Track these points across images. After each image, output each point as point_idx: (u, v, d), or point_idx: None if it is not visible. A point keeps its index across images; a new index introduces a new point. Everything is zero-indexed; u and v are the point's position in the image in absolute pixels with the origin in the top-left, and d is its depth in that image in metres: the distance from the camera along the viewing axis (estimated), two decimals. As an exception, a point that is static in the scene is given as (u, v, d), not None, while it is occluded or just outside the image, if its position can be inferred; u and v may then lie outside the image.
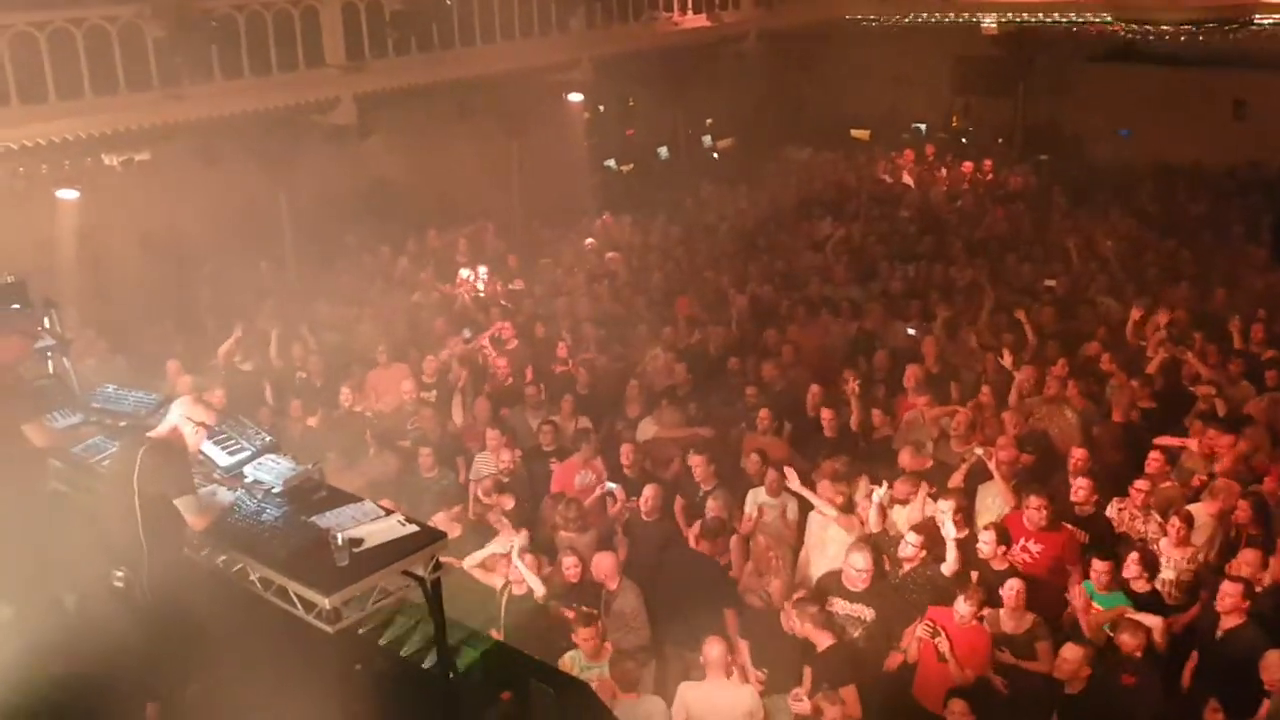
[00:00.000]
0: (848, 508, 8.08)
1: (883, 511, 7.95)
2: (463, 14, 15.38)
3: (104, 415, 6.74)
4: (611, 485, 8.82)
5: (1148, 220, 16.06)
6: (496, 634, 6.96)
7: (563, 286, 14.08)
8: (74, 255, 12.80)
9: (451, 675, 5.49)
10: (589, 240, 16.32)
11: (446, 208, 16.91)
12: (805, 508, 8.26)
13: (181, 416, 5.37)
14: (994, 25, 20.22)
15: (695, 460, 8.78)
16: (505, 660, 5.92)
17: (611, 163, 21.57)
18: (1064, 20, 19.75)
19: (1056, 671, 6.45)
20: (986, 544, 7.39)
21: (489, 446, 9.40)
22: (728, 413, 10.30)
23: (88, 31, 11.89)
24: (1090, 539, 7.73)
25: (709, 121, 23.12)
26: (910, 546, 7.46)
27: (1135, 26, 19.23)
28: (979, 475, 8.47)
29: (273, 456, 5.95)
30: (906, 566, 7.52)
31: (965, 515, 7.86)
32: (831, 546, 7.94)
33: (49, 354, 6.95)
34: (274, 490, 5.66)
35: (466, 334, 11.86)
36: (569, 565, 7.51)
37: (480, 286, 14.11)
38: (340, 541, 5.05)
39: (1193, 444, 8.69)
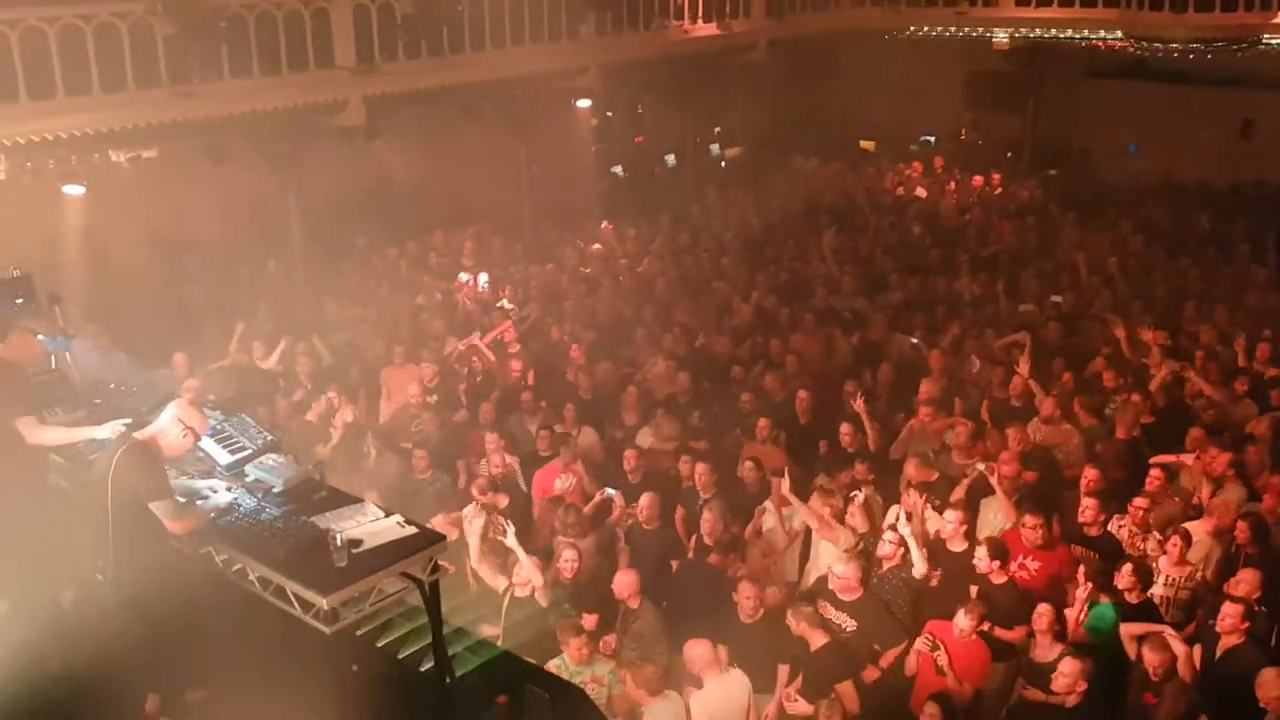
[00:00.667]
0: (837, 519, 8.09)
1: (866, 513, 7.98)
2: (473, 18, 15.41)
3: (105, 411, 6.75)
4: (611, 491, 8.80)
5: (1155, 237, 16.05)
6: (495, 635, 6.97)
7: (566, 291, 14.08)
8: (79, 251, 12.82)
9: (448, 679, 5.48)
10: (594, 246, 16.33)
11: (454, 211, 16.94)
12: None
13: (174, 418, 5.31)
14: (1005, 40, 20.26)
15: (698, 469, 8.79)
16: (502, 664, 5.91)
17: (619, 169, 21.59)
18: (1075, 37, 19.78)
19: (1054, 685, 6.42)
20: (980, 559, 7.38)
21: (488, 449, 9.40)
22: (728, 421, 10.29)
23: (98, 28, 11.91)
24: (1101, 559, 7.70)
25: (717, 130, 23.14)
26: (889, 545, 7.51)
27: (1145, 44, 19.24)
28: (981, 489, 8.46)
29: (274, 456, 5.95)
30: (885, 566, 7.56)
31: (968, 529, 7.85)
32: (823, 556, 8.04)
33: (51, 349, 6.96)
34: (274, 489, 5.66)
35: (478, 336, 11.85)
36: (567, 560, 7.51)
37: (481, 288, 14.15)
38: (339, 542, 5.04)
39: (1189, 459, 8.68)
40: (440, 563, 5.33)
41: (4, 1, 11.36)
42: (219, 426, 6.14)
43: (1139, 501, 8.04)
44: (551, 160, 18.13)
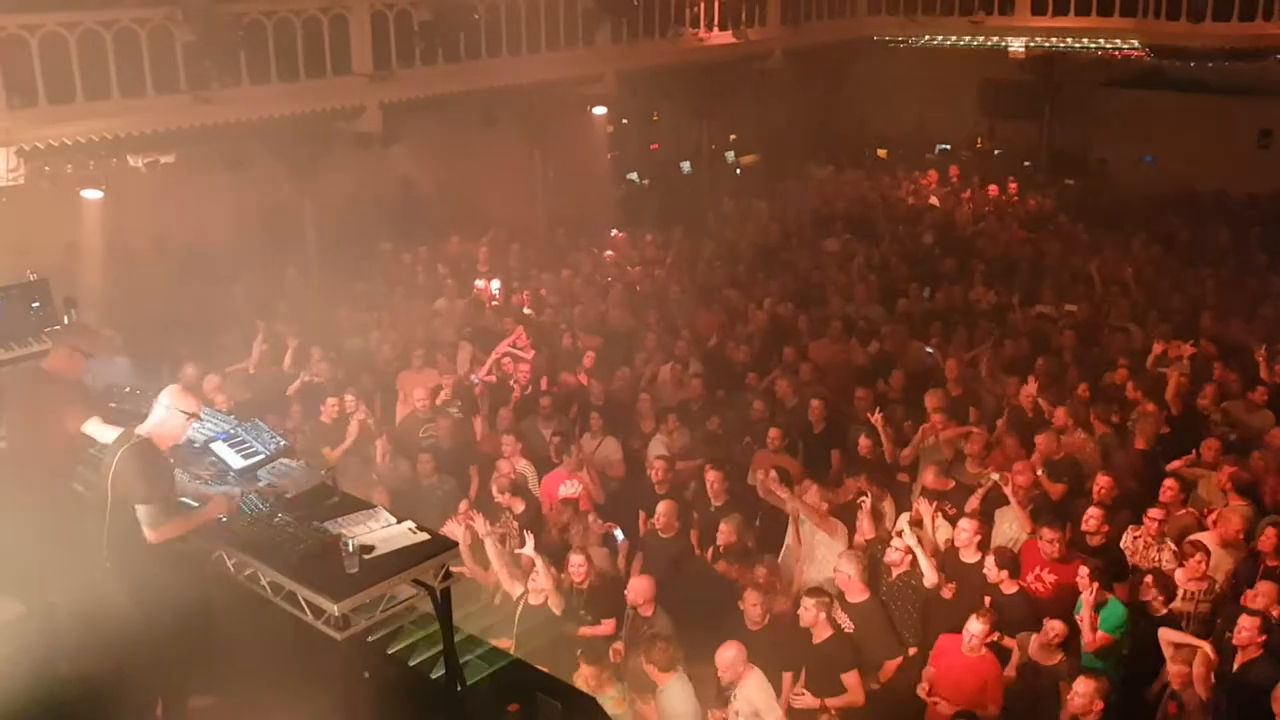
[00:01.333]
0: (840, 517, 8.09)
1: (873, 518, 7.95)
2: (489, 25, 15.44)
3: (119, 415, 6.77)
4: (618, 533, 8.69)
5: (1172, 247, 15.98)
6: (508, 643, 6.96)
7: (580, 297, 14.10)
8: (96, 255, 12.87)
9: (459, 686, 5.48)
10: (608, 252, 16.34)
11: (470, 216, 16.97)
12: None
13: (167, 407, 5.31)
14: (1021, 49, 20.19)
15: (710, 477, 8.79)
16: (514, 672, 5.91)
17: (634, 176, 21.61)
18: (1091, 46, 19.69)
19: (1069, 706, 6.36)
20: (989, 569, 7.33)
21: (504, 454, 9.41)
22: (741, 428, 10.27)
23: (118, 33, 11.96)
24: (1103, 568, 7.64)
25: (732, 137, 23.14)
26: (896, 553, 7.45)
27: (1162, 53, 19.17)
28: (996, 500, 8.42)
29: (287, 460, 5.96)
30: (894, 573, 7.52)
31: (982, 540, 7.80)
32: (819, 550, 8.02)
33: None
34: (287, 494, 5.67)
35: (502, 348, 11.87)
36: (576, 565, 7.50)
37: (495, 293, 14.19)
38: (351, 548, 5.05)
39: (1203, 472, 8.63)
40: (452, 569, 5.33)
41: (25, 6, 11.43)
42: (232, 431, 6.16)
43: (1154, 512, 7.99)
44: (567, 167, 18.15)
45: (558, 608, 7.28)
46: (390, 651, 5.89)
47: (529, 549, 7.45)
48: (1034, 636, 6.97)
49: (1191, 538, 7.67)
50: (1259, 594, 6.94)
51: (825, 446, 9.73)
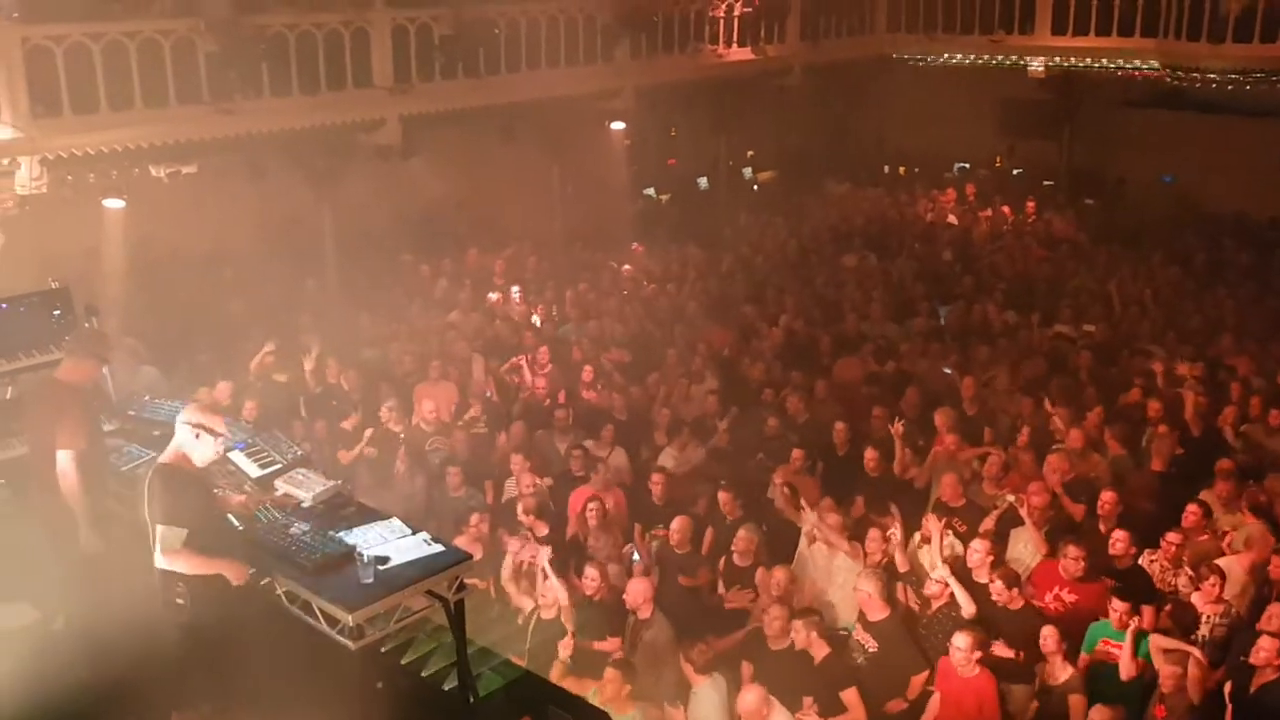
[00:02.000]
0: (853, 537, 8.06)
1: (905, 550, 7.87)
2: (509, 40, 15.52)
3: (138, 423, 6.82)
4: (636, 555, 8.68)
5: (1190, 267, 15.90)
6: (519, 658, 6.95)
7: (597, 311, 14.12)
8: (117, 264, 12.95)
9: (472, 698, 5.48)
10: (626, 266, 16.36)
11: (488, 229, 17.04)
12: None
13: (185, 426, 5.21)
14: (1041, 69, 20.14)
15: (722, 496, 8.79)
16: (526, 685, 5.90)
17: (651, 191, 21.65)
18: (1111, 66, 19.63)
19: None
20: (996, 591, 7.29)
21: (513, 470, 9.40)
22: (755, 444, 10.24)
23: (141, 44, 12.07)
24: (1127, 591, 7.60)
25: (750, 153, 23.16)
26: (935, 585, 7.37)
27: (1182, 74, 19.06)
28: (1010, 520, 8.37)
29: (303, 470, 5.99)
30: (934, 605, 7.44)
31: (994, 560, 7.75)
32: (839, 575, 7.98)
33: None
34: (302, 504, 5.69)
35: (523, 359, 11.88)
36: (590, 578, 7.48)
37: (514, 298, 14.22)
38: (366, 559, 5.06)
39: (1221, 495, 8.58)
40: (466, 581, 5.33)
41: (50, 17, 11.54)
42: (250, 440, 6.20)
43: (1172, 536, 7.93)
44: (585, 181, 18.18)
45: (570, 623, 7.28)
46: (403, 663, 5.88)
47: (545, 560, 7.45)
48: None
49: (1215, 561, 7.60)
50: (1275, 616, 6.88)
51: (846, 468, 9.68)
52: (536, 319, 13.70)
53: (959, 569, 7.61)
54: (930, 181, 21.82)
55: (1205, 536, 8.23)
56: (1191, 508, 8.33)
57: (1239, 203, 18.99)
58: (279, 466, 6.00)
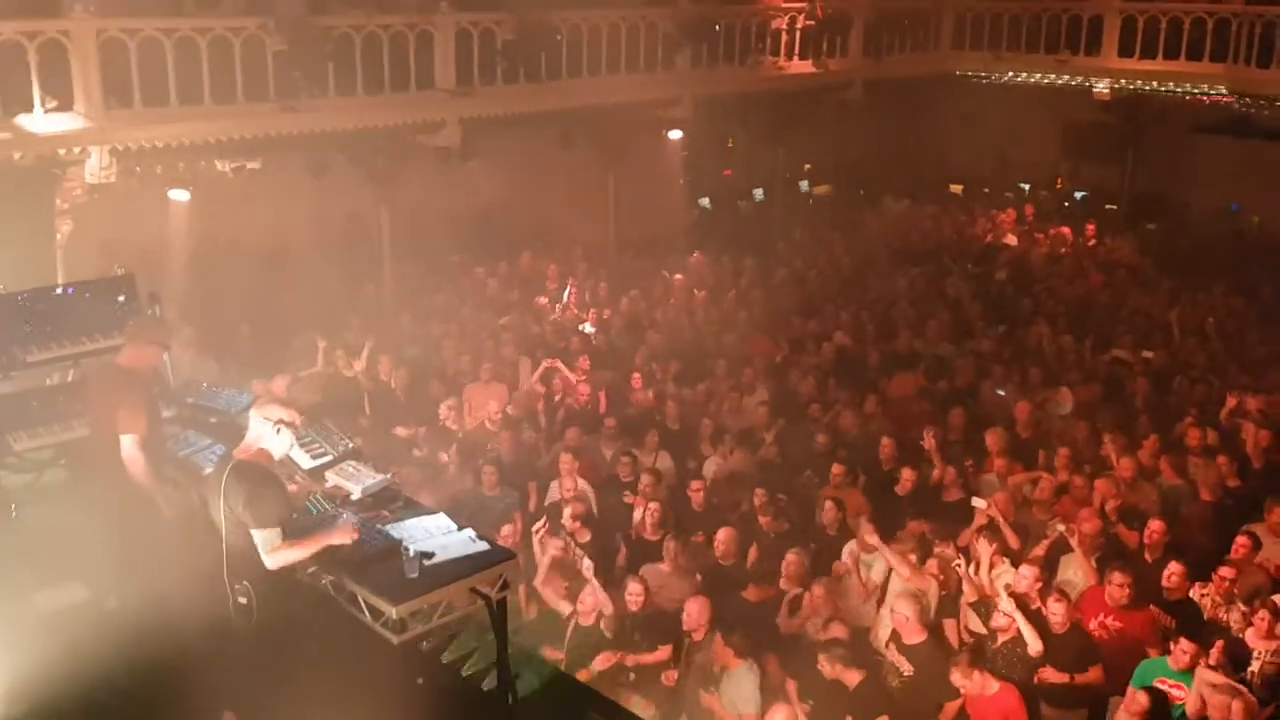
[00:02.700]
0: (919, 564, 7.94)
1: (974, 580, 7.75)
2: (571, 46, 15.62)
3: (196, 410, 6.92)
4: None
5: (1255, 299, 15.58)
6: (558, 659, 6.96)
7: (649, 319, 14.11)
8: (180, 254, 13.19)
9: (511, 699, 5.49)
10: (678, 276, 16.37)
11: (542, 234, 17.12)
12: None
13: (260, 420, 5.22)
14: (1106, 91, 19.88)
15: (763, 511, 8.76)
16: (565, 689, 5.91)
17: (706, 201, 21.63)
18: (1178, 90, 19.33)
19: None
20: (1052, 614, 7.16)
21: (561, 470, 9.41)
22: (802, 460, 10.18)
23: (212, 41, 12.29)
24: (1176, 625, 7.46)
25: (807, 167, 23.07)
26: (1003, 616, 7.25)
27: (1250, 100, 18.73)
28: (1060, 548, 8.25)
29: (354, 463, 6.04)
30: (1000, 639, 7.29)
31: (1044, 588, 7.63)
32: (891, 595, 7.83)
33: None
34: (352, 496, 5.74)
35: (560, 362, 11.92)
36: (633, 593, 7.46)
37: (566, 298, 14.28)
38: (411, 553, 5.09)
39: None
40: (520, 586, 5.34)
41: (125, 11, 11.80)
42: (302, 432, 6.26)
43: (1224, 571, 7.75)
44: (640, 189, 18.21)
45: (610, 631, 7.26)
46: (444, 660, 5.92)
47: (588, 569, 7.45)
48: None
49: (1270, 599, 7.43)
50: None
51: (891, 484, 9.60)
52: (588, 325, 13.72)
53: (1024, 604, 7.49)
54: (990, 201, 21.60)
55: (1256, 570, 8.05)
56: (1240, 539, 8.16)
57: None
58: (330, 458, 6.05)
